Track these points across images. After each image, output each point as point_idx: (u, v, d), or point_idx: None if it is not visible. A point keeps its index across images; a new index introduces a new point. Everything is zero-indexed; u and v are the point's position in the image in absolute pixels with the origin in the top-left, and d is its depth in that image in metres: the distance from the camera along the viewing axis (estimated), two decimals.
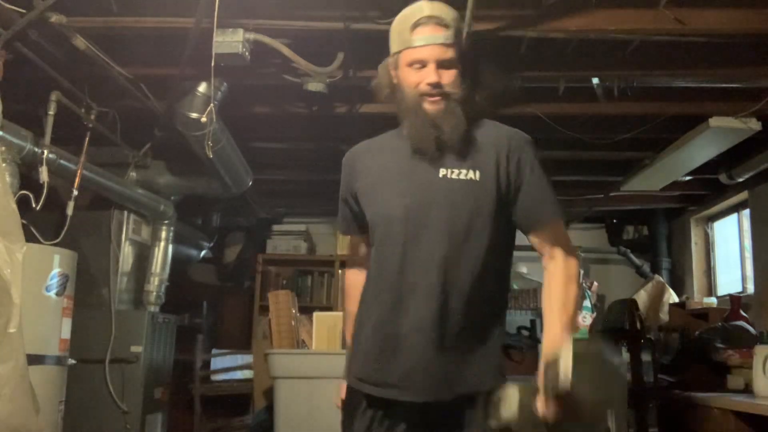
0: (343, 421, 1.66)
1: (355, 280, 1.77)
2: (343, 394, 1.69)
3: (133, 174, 4.19)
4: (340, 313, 3.39)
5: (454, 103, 1.54)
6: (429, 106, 1.54)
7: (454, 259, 1.52)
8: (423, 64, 1.53)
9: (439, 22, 1.53)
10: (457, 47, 1.55)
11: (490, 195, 1.54)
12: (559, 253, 1.58)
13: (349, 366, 1.67)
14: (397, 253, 1.55)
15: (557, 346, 1.39)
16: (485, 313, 1.56)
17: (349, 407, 1.63)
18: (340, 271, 5.88)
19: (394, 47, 1.60)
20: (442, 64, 1.53)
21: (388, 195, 1.59)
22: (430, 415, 1.52)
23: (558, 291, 1.54)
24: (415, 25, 1.54)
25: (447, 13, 1.56)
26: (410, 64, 1.55)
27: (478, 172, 1.54)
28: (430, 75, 1.52)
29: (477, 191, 1.54)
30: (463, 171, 1.55)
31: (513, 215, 1.59)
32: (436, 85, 1.53)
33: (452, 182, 1.54)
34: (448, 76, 1.54)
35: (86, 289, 3.76)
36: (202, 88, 3.15)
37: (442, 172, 1.55)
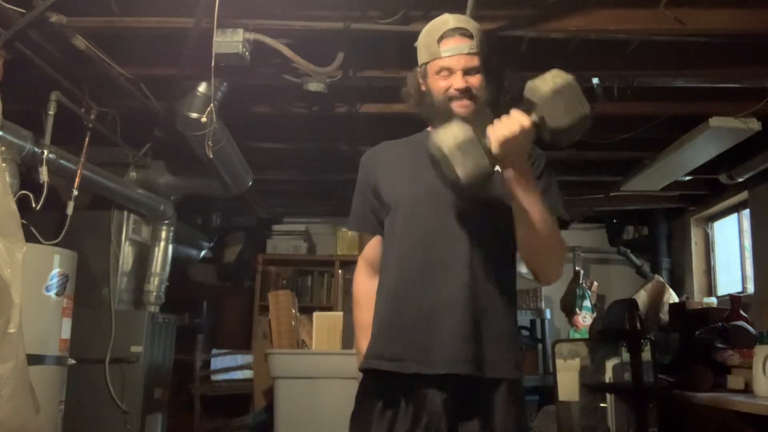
0: (356, 411, 1.61)
1: (367, 288, 1.75)
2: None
3: (133, 174, 4.20)
4: (340, 313, 3.40)
5: (482, 104, 1.62)
6: (458, 108, 1.62)
7: (480, 236, 1.58)
8: (450, 72, 1.63)
9: (464, 33, 1.63)
10: (482, 55, 1.64)
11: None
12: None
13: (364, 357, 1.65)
14: (425, 228, 1.60)
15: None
16: (506, 298, 1.62)
17: (362, 393, 1.61)
18: (340, 271, 5.88)
19: (422, 58, 1.69)
20: (468, 72, 1.63)
21: (413, 176, 1.65)
22: (454, 400, 1.51)
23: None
24: (442, 37, 1.64)
25: (470, 24, 1.67)
26: (438, 72, 1.64)
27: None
28: (457, 81, 1.62)
29: (502, 179, 1.57)
30: None
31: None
32: (465, 90, 1.62)
33: None
34: (475, 81, 1.63)
35: (86, 289, 3.76)
36: (202, 88, 3.15)
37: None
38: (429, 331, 1.53)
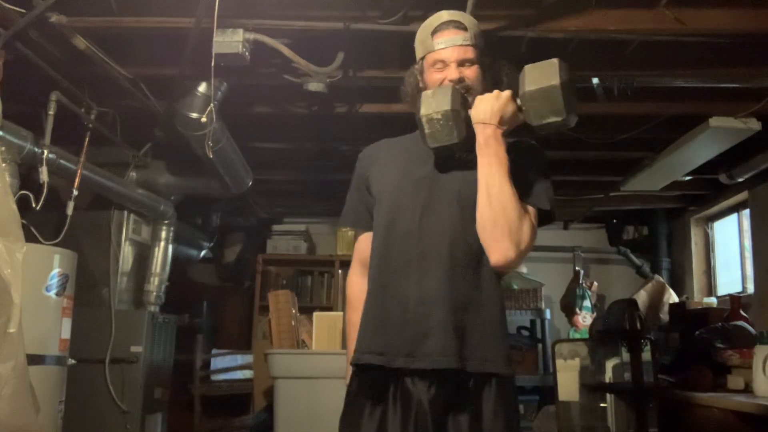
0: (345, 411, 1.58)
1: (359, 289, 1.70)
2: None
3: (133, 174, 4.20)
4: (340, 313, 3.39)
5: (476, 96, 1.61)
6: None
7: (463, 230, 1.55)
8: (445, 64, 1.64)
9: (458, 26, 1.65)
10: (477, 48, 1.65)
11: None
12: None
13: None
14: (408, 219, 1.58)
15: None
16: (491, 292, 1.56)
17: (354, 395, 1.57)
18: (340, 271, 5.88)
19: (418, 54, 1.71)
20: (462, 64, 1.63)
21: (404, 170, 1.66)
22: (443, 395, 1.47)
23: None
24: (435, 31, 1.65)
25: (465, 17, 1.69)
26: (433, 65, 1.65)
27: None
28: (452, 72, 1.62)
29: None
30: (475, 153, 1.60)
31: None
32: (459, 81, 1.61)
33: (467, 162, 1.59)
34: (470, 73, 1.64)
35: (86, 289, 3.77)
36: (202, 88, 3.15)
37: (458, 154, 1.61)
38: (413, 325, 1.50)
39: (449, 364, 1.47)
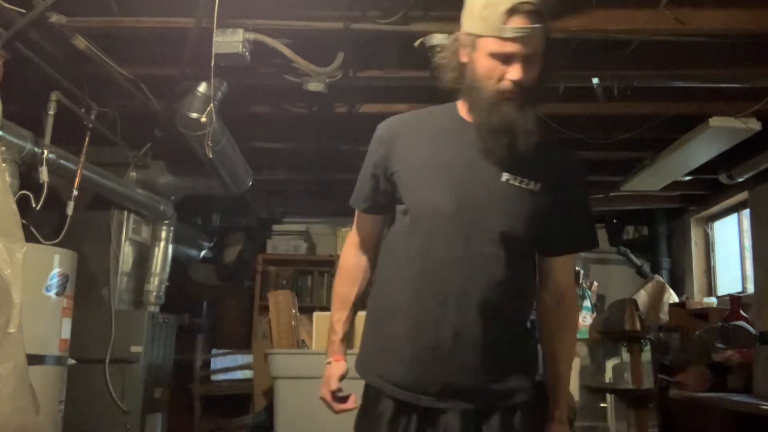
0: (361, 425, 1.53)
1: (354, 262, 1.64)
2: (332, 386, 1.56)
3: (133, 174, 4.20)
4: None
5: (531, 105, 1.41)
6: (508, 107, 1.39)
7: (506, 267, 1.43)
8: (510, 58, 1.37)
9: (536, 10, 1.34)
10: (544, 42, 1.39)
11: (545, 208, 1.47)
12: (571, 292, 1.58)
13: (361, 359, 1.57)
14: (446, 250, 1.42)
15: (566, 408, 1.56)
16: (521, 323, 1.53)
17: (372, 410, 1.50)
18: None
19: (474, 27, 1.39)
20: (527, 60, 1.37)
21: (440, 186, 1.45)
22: (467, 424, 1.43)
23: (570, 343, 1.59)
24: (511, 12, 1.33)
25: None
26: (493, 55, 1.37)
27: (539, 184, 1.46)
28: (515, 72, 1.36)
29: (535, 202, 1.46)
30: (525, 180, 1.45)
31: (547, 232, 1.51)
32: (519, 83, 1.37)
33: (513, 188, 1.44)
34: (531, 73, 1.38)
35: (86, 289, 3.76)
36: (202, 88, 3.15)
37: (505, 176, 1.44)
38: (445, 366, 1.42)
39: (478, 404, 1.44)
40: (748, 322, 3.60)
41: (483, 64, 1.39)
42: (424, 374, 1.43)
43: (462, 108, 1.52)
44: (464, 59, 1.43)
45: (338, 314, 1.67)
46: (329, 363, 1.62)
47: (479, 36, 1.38)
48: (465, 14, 1.44)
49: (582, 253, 6.09)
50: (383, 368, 1.50)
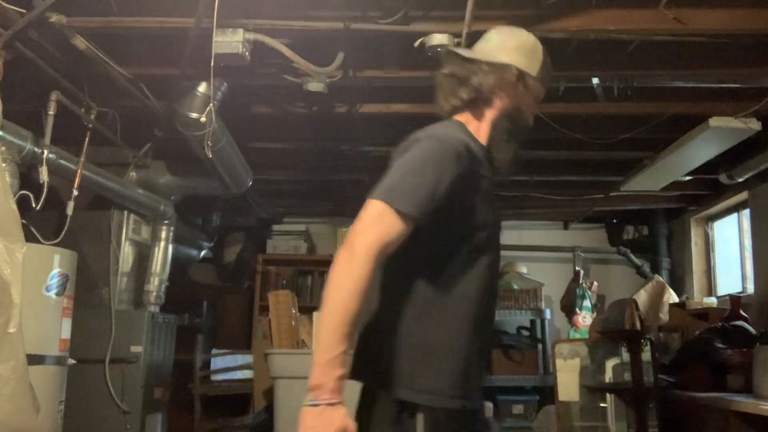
0: None
1: (372, 279, 1.45)
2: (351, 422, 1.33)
3: (133, 174, 4.20)
4: None
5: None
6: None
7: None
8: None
9: None
10: None
11: None
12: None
13: (437, 385, 1.47)
14: (493, 278, 1.61)
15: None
16: None
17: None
18: None
19: (536, 73, 1.67)
20: None
21: (495, 215, 1.61)
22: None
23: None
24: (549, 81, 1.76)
25: None
26: (537, 98, 1.72)
27: None
28: (536, 109, 1.74)
29: None
30: None
31: None
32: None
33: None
34: None
35: (86, 289, 3.76)
36: (202, 88, 3.15)
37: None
38: (481, 374, 1.63)
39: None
40: (748, 322, 3.60)
41: (528, 102, 1.68)
42: (478, 382, 1.61)
43: (475, 131, 1.64)
44: (513, 93, 1.63)
45: (350, 340, 1.42)
46: (337, 404, 1.31)
47: (539, 81, 1.68)
48: (537, 66, 1.67)
49: (582, 253, 6.11)
50: (464, 386, 1.52)
